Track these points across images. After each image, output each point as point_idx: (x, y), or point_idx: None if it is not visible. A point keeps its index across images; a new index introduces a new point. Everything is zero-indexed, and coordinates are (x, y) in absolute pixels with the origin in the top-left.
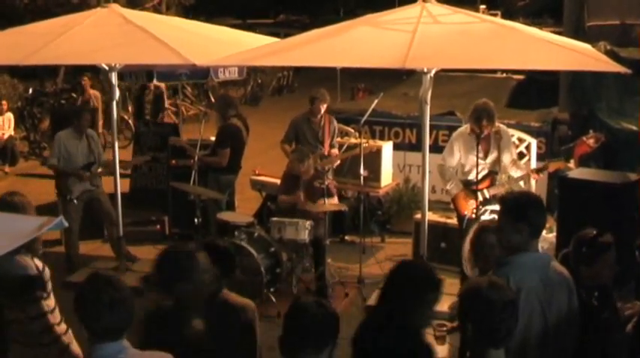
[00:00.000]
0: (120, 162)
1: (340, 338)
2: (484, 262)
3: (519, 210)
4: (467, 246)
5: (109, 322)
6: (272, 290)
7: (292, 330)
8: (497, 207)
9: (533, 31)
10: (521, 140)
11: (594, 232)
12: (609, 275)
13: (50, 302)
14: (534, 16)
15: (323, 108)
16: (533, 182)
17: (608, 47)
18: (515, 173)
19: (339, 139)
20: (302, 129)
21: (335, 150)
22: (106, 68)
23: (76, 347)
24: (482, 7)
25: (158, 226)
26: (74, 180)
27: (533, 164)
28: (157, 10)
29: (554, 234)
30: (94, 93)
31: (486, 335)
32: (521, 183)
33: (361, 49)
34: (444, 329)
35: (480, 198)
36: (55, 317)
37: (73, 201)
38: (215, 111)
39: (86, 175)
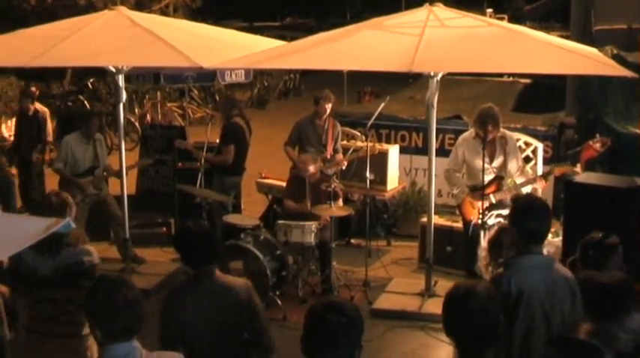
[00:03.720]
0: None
1: None
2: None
3: (513, 214)
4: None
5: (123, 322)
6: (278, 293)
7: (313, 336)
8: (503, 212)
9: (540, 35)
10: (527, 144)
11: (600, 235)
12: None
13: None
14: (541, 20)
15: (328, 108)
16: (538, 187)
17: (615, 51)
18: (519, 180)
19: (344, 142)
20: (306, 132)
21: (340, 155)
22: (113, 70)
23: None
24: (489, 10)
25: (164, 228)
26: (75, 185)
27: (540, 167)
28: (164, 12)
29: (560, 238)
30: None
31: (461, 341)
32: (525, 189)
33: (368, 52)
34: None
35: (487, 204)
36: None
37: (77, 203)
38: (219, 111)
39: (88, 180)
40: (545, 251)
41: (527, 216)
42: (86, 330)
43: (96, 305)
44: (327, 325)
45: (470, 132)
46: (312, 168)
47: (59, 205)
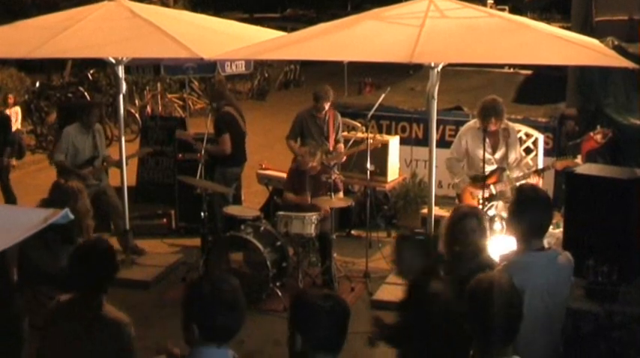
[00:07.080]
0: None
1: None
2: (461, 246)
3: (516, 204)
4: (444, 228)
5: (223, 321)
6: (278, 284)
7: (299, 329)
8: (502, 203)
9: (541, 26)
10: (528, 135)
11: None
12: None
13: None
14: (542, 11)
15: (327, 105)
16: (533, 183)
17: (616, 43)
18: (514, 174)
19: (345, 133)
20: (307, 125)
21: (341, 145)
22: (113, 62)
23: None
24: (490, 1)
25: (165, 220)
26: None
27: (541, 159)
28: (164, 3)
29: (561, 229)
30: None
31: (486, 335)
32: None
33: (368, 43)
34: None
35: (487, 194)
36: None
37: None
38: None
39: (88, 171)
40: (545, 242)
41: (530, 206)
42: None
43: (200, 300)
44: (328, 315)
45: (475, 122)
46: (311, 162)
47: (70, 193)
